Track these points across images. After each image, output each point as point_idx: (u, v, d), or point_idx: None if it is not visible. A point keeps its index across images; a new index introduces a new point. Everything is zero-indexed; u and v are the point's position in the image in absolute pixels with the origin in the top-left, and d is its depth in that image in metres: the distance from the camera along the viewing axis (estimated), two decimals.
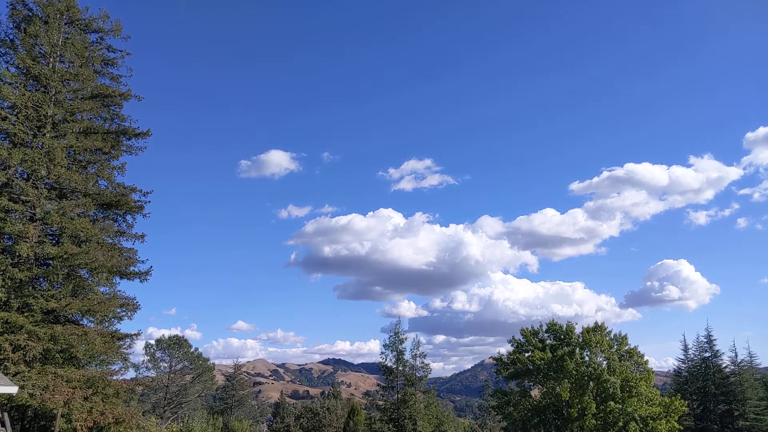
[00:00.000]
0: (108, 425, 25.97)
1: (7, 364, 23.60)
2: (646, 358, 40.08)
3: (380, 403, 51.63)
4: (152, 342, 61.34)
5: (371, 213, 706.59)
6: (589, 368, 37.20)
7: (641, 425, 35.79)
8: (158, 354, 60.90)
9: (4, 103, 27.11)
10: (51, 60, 28.91)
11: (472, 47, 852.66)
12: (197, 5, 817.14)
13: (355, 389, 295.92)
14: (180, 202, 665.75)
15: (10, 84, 27.13)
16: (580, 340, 39.37)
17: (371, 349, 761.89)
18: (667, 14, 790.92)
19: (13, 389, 20.61)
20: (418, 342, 52.00)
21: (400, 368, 50.17)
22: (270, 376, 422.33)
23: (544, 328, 41.96)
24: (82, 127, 29.16)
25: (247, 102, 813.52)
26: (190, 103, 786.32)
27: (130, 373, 41.53)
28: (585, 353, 39.30)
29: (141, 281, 30.91)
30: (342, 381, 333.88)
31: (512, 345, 42.35)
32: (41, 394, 23.77)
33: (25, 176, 27.12)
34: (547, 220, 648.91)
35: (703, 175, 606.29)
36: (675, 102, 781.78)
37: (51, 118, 28.04)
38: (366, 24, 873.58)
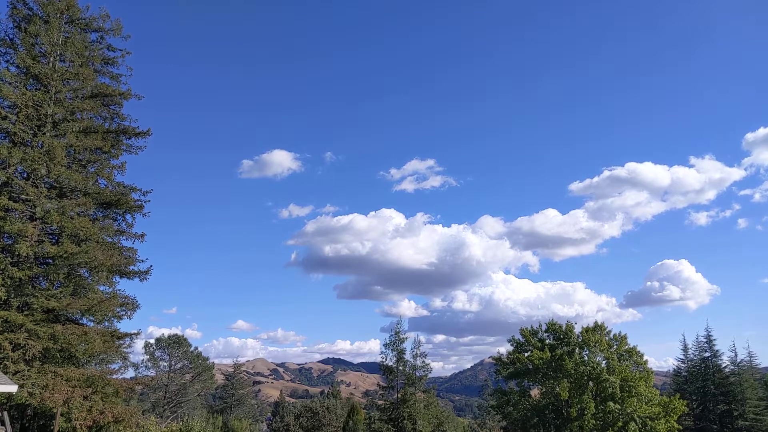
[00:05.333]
0: (107, 424, 26.00)
1: (7, 362, 23.63)
2: (645, 357, 40.19)
3: (380, 402, 51.61)
4: (152, 341, 61.44)
5: (373, 213, 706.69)
6: (588, 368, 37.22)
7: (640, 425, 35.80)
8: (158, 353, 60.96)
9: (5, 102, 27.11)
10: (51, 59, 28.92)
11: (472, 47, 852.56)
12: (197, 5, 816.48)
13: (355, 389, 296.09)
14: (180, 201, 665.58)
15: (10, 83, 27.12)
16: (580, 339, 39.38)
17: (371, 348, 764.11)
18: (667, 14, 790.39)
19: (13, 388, 20.62)
20: (419, 342, 52.10)
21: (401, 368, 50.14)
22: (269, 375, 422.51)
23: (544, 327, 41.99)
24: (82, 126, 29.16)
25: (250, 102, 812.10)
26: (191, 103, 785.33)
27: (130, 372, 41.51)
28: (584, 353, 39.32)
29: (141, 280, 31.02)
30: (342, 380, 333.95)
31: (512, 345, 42.40)
32: (41, 393, 23.79)
33: (25, 175, 27.13)
34: (548, 220, 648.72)
35: (705, 175, 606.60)
36: (675, 102, 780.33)
37: (51, 117, 28.05)
38: (370, 23, 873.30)
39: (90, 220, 27.93)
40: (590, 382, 37.47)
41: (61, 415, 24.88)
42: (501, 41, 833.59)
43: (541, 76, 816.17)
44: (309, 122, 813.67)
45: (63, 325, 26.17)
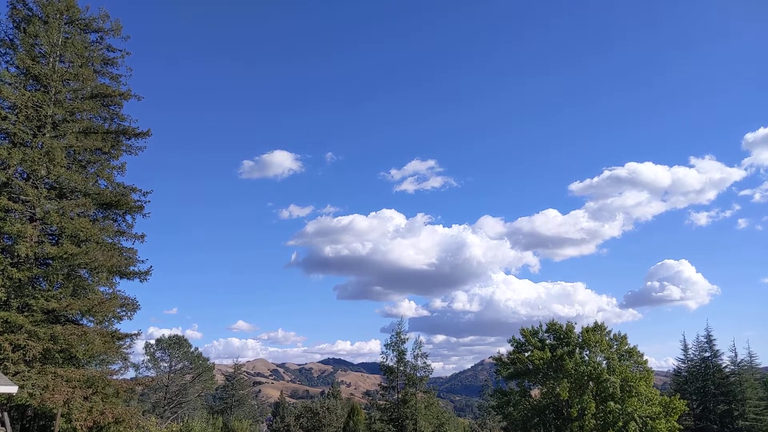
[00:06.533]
0: (108, 425, 25.95)
1: (7, 363, 23.59)
2: (645, 357, 40.13)
3: (381, 402, 51.53)
4: (152, 342, 61.43)
5: (373, 213, 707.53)
6: (589, 368, 37.19)
7: (641, 425, 35.78)
8: (158, 354, 60.93)
9: (4, 103, 27.09)
10: (51, 60, 28.90)
11: (472, 47, 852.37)
12: (197, 5, 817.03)
13: (355, 389, 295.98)
14: (181, 202, 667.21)
15: (10, 84, 27.11)
16: (580, 339, 39.35)
17: (371, 348, 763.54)
18: (667, 14, 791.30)
19: (13, 389, 20.61)
20: (420, 342, 51.96)
21: (402, 368, 50.07)
22: (270, 375, 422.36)
23: (544, 327, 41.94)
24: (82, 127, 29.14)
25: (250, 102, 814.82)
26: (191, 103, 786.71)
27: (130, 373, 41.51)
28: (584, 353, 39.28)
29: (141, 281, 31.00)
30: (342, 381, 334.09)
31: (512, 345, 42.34)
32: (41, 394, 23.77)
33: (25, 176, 27.11)
34: (548, 220, 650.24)
35: (705, 175, 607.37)
36: (675, 102, 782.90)
37: (51, 117, 28.02)
38: (370, 23, 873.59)
39: (90, 221, 27.90)
40: (590, 382, 37.43)
41: (62, 415, 24.86)
42: (501, 41, 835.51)
43: (541, 76, 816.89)
44: (309, 122, 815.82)
45: (63, 325, 26.15)
